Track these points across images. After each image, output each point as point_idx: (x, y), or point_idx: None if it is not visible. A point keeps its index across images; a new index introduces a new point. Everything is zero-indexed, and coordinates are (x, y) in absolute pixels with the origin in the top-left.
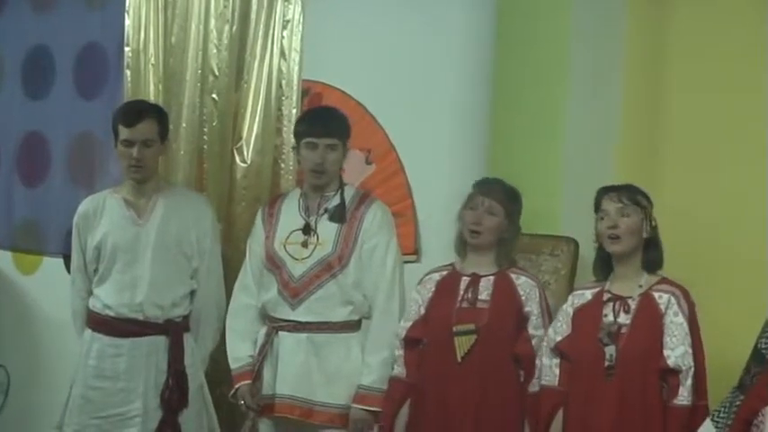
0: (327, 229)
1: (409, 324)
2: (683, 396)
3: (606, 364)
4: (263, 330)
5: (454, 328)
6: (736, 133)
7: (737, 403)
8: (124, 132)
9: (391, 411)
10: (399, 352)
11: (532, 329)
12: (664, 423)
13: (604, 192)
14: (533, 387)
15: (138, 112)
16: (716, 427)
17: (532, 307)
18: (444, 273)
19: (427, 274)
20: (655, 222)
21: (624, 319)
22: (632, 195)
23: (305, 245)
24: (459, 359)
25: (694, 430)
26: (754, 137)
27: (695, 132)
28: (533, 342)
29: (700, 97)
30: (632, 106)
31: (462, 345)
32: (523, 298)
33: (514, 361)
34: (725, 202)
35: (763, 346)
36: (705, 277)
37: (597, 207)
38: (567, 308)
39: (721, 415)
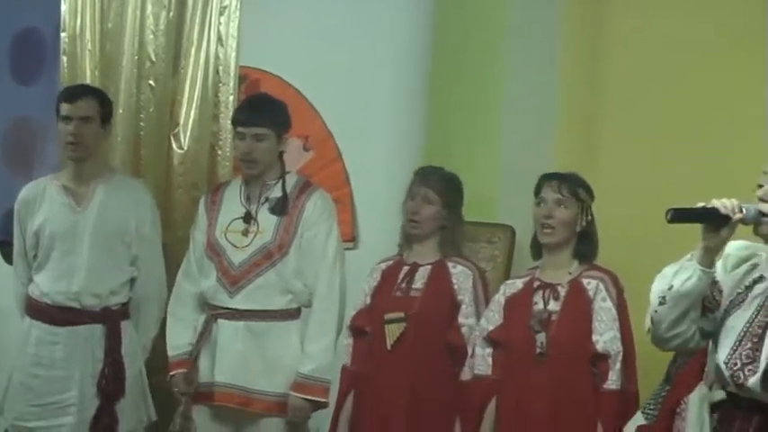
0: (268, 218)
1: (354, 313)
2: (613, 380)
3: (537, 350)
4: (203, 318)
5: (385, 317)
6: (672, 120)
7: (663, 394)
8: (64, 108)
9: (339, 400)
10: (348, 341)
11: (462, 318)
12: (595, 407)
13: (547, 178)
14: (464, 375)
15: (80, 88)
16: (645, 419)
17: (464, 296)
18: (391, 262)
19: (377, 264)
20: (591, 216)
21: (554, 306)
22: (573, 188)
23: (245, 233)
24: (389, 347)
25: (625, 413)
26: (690, 123)
27: (632, 118)
28: (463, 331)
29: (636, 84)
30: (569, 94)
31: (392, 333)
32: (456, 287)
33: (447, 350)
34: (661, 187)
35: None
36: (640, 263)
37: (538, 191)
38: (499, 297)
39: (650, 406)
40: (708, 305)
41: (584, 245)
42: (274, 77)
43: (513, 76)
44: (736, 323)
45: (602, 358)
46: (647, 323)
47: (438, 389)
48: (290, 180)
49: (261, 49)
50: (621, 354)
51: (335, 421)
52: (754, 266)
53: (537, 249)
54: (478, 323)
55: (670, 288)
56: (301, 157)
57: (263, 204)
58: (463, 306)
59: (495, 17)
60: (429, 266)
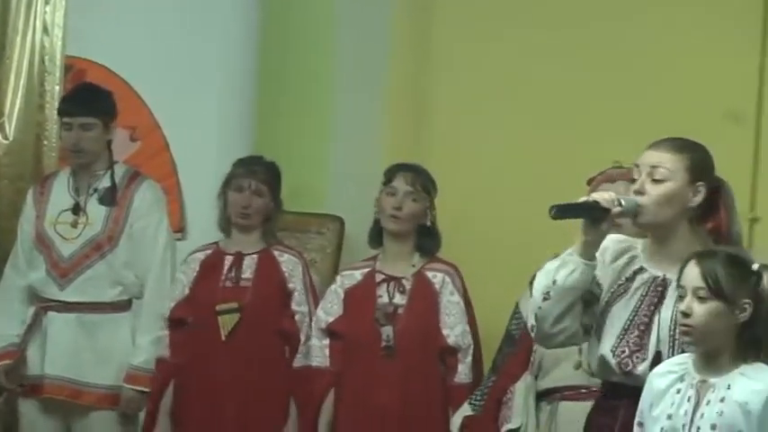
0: (97, 209)
1: (173, 304)
2: (464, 374)
3: (383, 344)
4: (32, 310)
5: (217, 307)
6: (499, 110)
7: (490, 384)
8: None
9: (157, 391)
10: (164, 332)
11: (295, 306)
12: (445, 401)
13: (401, 169)
14: (296, 363)
15: None
16: (472, 410)
17: (296, 284)
18: (208, 252)
19: (191, 254)
20: (434, 211)
21: (400, 299)
22: (425, 183)
23: (74, 225)
24: (224, 338)
25: None
26: (517, 115)
27: (460, 110)
28: (297, 318)
29: (467, 77)
30: (399, 86)
31: (226, 323)
32: (287, 275)
33: (280, 338)
34: (489, 181)
35: (514, 328)
36: (473, 256)
37: (388, 180)
38: (337, 288)
39: (477, 397)
40: (586, 299)
41: (428, 239)
42: (101, 67)
43: (343, 67)
44: (621, 313)
45: (451, 352)
46: (531, 320)
47: (273, 377)
48: (119, 170)
49: (87, 38)
50: (472, 347)
51: (153, 414)
52: (633, 258)
53: (376, 238)
54: (310, 311)
55: (554, 283)
56: (128, 148)
57: (91, 195)
58: (296, 293)
59: (325, 7)
60: (255, 256)
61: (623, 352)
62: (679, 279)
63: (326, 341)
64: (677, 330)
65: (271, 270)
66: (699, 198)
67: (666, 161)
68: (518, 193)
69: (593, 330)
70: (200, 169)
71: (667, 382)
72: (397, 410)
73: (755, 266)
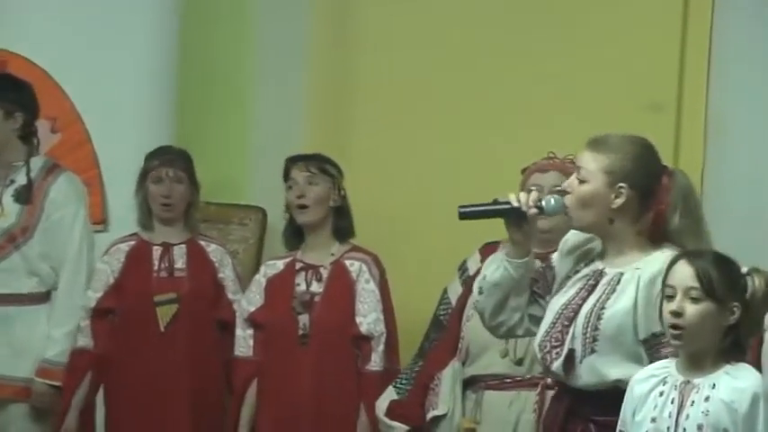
0: (12, 200)
1: (100, 294)
2: (376, 362)
3: (300, 332)
4: None
5: (155, 298)
6: (422, 100)
7: (417, 369)
8: None
9: (73, 383)
10: (86, 322)
11: (231, 294)
12: (358, 389)
13: (292, 161)
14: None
15: None
16: (398, 394)
17: (226, 273)
18: (132, 243)
19: (113, 245)
20: (344, 191)
21: (317, 287)
22: (320, 164)
23: None
24: (162, 329)
25: None
26: (441, 105)
27: (384, 97)
28: (234, 307)
29: (385, 67)
30: (318, 76)
31: (165, 314)
32: (217, 264)
33: (218, 327)
34: (412, 170)
35: (442, 314)
36: (397, 243)
37: (286, 176)
38: (260, 278)
39: (403, 381)
40: (537, 291)
41: (341, 220)
42: (21, 58)
43: (263, 57)
44: (555, 306)
45: (365, 340)
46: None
47: (211, 366)
48: (37, 163)
49: (7, 28)
50: (385, 335)
51: (66, 407)
52: (589, 252)
53: (291, 238)
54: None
55: (484, 278)
56: (49, 140)
57: (7, 187)
58: (230, 282)
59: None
60: (183, 246)
61: (545, 347)
62: (665, 278)
63: (250, 331)
64: (590, 329)
65: (202, 260)
66: (621, 200)
67: (588, 162)
68: (444, 179)
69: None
70: (121, 161)
71: (649, 386)
72: (311, 398)
73: (745, 269)
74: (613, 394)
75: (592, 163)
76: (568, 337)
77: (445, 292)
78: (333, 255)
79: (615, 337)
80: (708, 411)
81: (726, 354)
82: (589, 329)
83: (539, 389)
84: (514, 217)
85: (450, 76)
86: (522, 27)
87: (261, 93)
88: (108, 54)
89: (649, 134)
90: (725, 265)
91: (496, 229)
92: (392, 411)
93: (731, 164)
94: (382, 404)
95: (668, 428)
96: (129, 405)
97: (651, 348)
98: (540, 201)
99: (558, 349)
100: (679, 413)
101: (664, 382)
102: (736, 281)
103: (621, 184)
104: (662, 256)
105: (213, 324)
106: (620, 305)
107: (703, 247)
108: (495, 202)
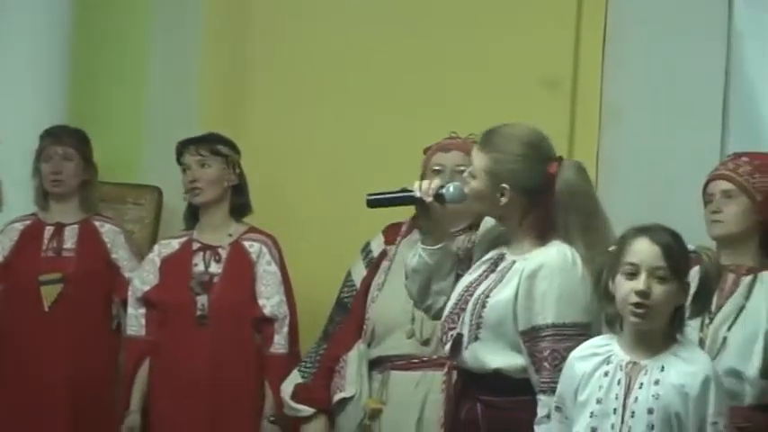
0: None
1: None
2: (280, 344)
3: (198, 313)
4: None
5: (40, 278)
6: (321, 77)
7: (321, 352)
8: None
9: None
10: None
11: (128, 273)
12: (260, 371)
13: (183, 145)
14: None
15: None
16: (302, 377)
17: (120, 253)
18: (27, 222)
19: (9, 224)
20: (239, 169)
21: (215, 268)
22: (211, 146)
23: None
24: (47, 308)
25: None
26: (340, 86)
27: (282, 76)
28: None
29: (285, 41)
30: (213, 54)
31: (49, 294)
32: (109, 245)
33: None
34: (314, 149)
35: (345, 296)
36: (298, 225)
37: (179, 160)
38: (154, 257)
39: (307, 365)
40: (461, 274)
41: (237, 198)
42: None
43: (157, 36)
44: (460, 286)
45: (267, 322)
46: None
47: (99, 345)
48: None
49: None
50: (289, 318)
51: None
52: (499, 237)
53: (189, 219)
54: None
55: (406, 265)
56: None
57: None
58: (125, 262)
59: None
60: (76, 226)
61: (444, 327)
62: (623, 254)
63: (142, 310)
64: (475, 316)
65: (93, 240)
66: (504, 199)
67: (476, 159)
68: (344, 159)
69: None
70: (14, 142)
71: (593, 365)
72: (208, 379)
73: (691, 247)
74: (498, 378)
75: (478, 161)
76: (459, 321)
77: (349, 274)
78: (231, 235)
79: (497, 327)
80: (658, 395)
81: (673, 331)
82: (474, 316)
83: (445, 369)
84: (419, 205)
85: (350, 55)
86: (420, 6)
87: (156, 71)
88: None
89: (544, 112)
90: (681, 242)
91: (400, 209)
92: (297, 395)
93: (625, 146)
94: (287, 388)
95: (615, 410)
96: (9, 382)
97: (530, 341)
98: (440, 189)
99: (452, 332)
100: (627, 395)
101: (607, 361)
102: (689, 259)
103: (504, 185)
104: (548, 251)
105: (104, 305)
106: (502, 295)
107: (610, 237)
108: (403, 190)
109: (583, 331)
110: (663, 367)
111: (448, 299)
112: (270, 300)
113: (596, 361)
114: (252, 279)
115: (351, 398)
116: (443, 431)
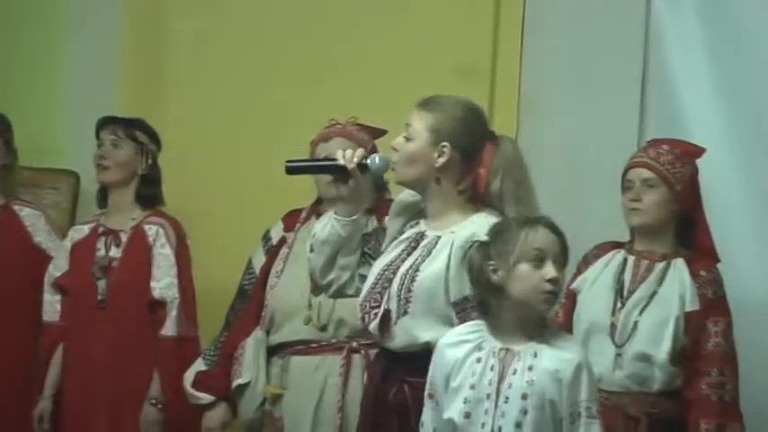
0: None
1: None
2: (169, 327)
3: (99, 297)
4: None
5: None
6: (237, 65)
7: (222, 339)
8: None
9: None
10: None
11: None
12: (155, 354)
13: (103, 122)
14: None
15: None
16: (206, 365)
17: (43, 236)
18: None
19: None
20: (153, 162)
21: (115, 252)
22: (129, 130)
23: None
24: None
25: (183, 360)
26: (254, 71)
27: (197, 62)
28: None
29: (201, 23)
30: (133, 37)
31: None
32: (29, 229)
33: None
34: (229, 133)
35: (246, 283)
36: (210, 212)
37: (97, 135)
38: (66, 243)
39: (211, 352)
40: (368, 251)
41: (147, 188)
42: None
43: (76, 17)
44: (378, 266)
45: (160, 305)
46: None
47: (22, 331)
48: None
49: None
50: (178, 300)
51: None
52: (416, 213)
53: (103, 199)
54: None
55: (314, 236)
56: None
57: None
58: (50, 244)
59: None
60: None
61: (365, 307)
62: (524, 242)
63: (57, 296)
64: (404, 290)
65: (12, 225)
66: (443, 159)
67: (415, 120)
68: (255, 150)
69: None
70: None
71: (464, 352)
72: (107, 364)
73: None
74: (426, 357)
75: (418, 122)
76: (385, 298)
77: (250, 261)
78: (134, 219)
79: (427, 300)
80: (532, 381)
81: (544, 320)
82: (403, 291)
83: (344, 352)
84: (341, 174)
85: (265, 36)
86: None
87: (74, 54)
88: None
89: None
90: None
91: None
92: (198, 382)
93: (544, 134)
94: (189, 375)
95: (488, 396)
96: None
97: (462, 311)
98: (365, 158)
99: (377, 310)
100: (500, 381)
101: (479, 348)
102: None
103: (444, 143)
104: (478, 220)
105: (28, 290)
106: (432, 268)
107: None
108: (325, 159)
109: None
110: (536, 354)
111: (351, 277)
112: (160, 282)
113: (468, 347)
114: (148, 262)
115: (247, 384)
116: (341, 414)
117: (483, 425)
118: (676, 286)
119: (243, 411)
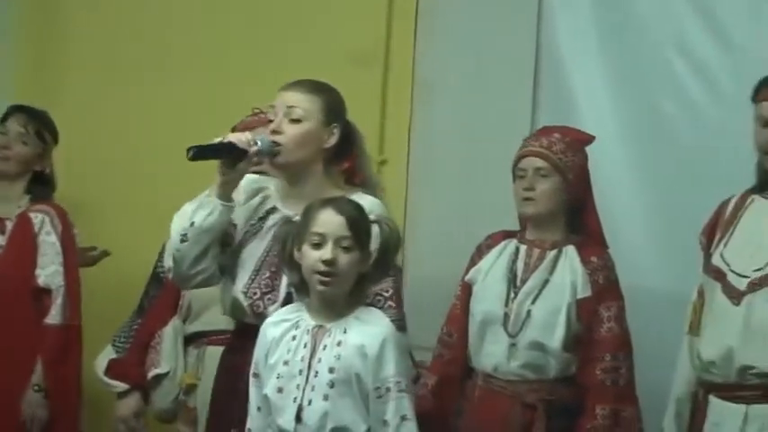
0: None
1: None
2: (53, 315)
3: None
4: None
5: None
6: (136, 55)
7: (135, 326)
8: None
9: None
10: None
11: None
12: (39, 341)
13: (14, 109)
14: None
15: None
16: (116, 352)
17: None
18: None
19: None
20: (50, 166)
21: (1, 240)
22: (40, 128)
23: None
24: None
25: (67, 348)
26: (155, 61)
27: (95, 49)
28: None
29: (100, 9)
30: (29, 26)
31: None
32: None
33: None
34: (131, 122)
35: (160, 269)
36: (123, 198)
37: (3, 120)
38: None
39: (121, 339)
40: (224, 240)
41: (41, 185)
42: None
43: None
44: (253, 253)
45: (45, 293)
46: (168, 263)
47: None
48: None
49: None
50: (64, 288)
51: None
52: (266, 198)
53: None
54: None
55: (192, 224)
56: None
57: None
58: None
59: None
60: None
61: (255, 294)
62: (309, 224)
63: None
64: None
65: None
66: (333, 140)
67: (303, 101)
68: (162, 139)
69: (227, 271)
70: None
71: (282, 331)
72: None
73: (372, 217)
74: None
75: (308, 103)
76: (283, 283)
77: (164, 247)
78: (20, 207)
79: None
80: (340, 355)
81: (357, 297)
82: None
83: None
84: (234, 157)
85: (166, 22)
86: None
87: None
88: None
89: (355, 87)
90: (363, 213)
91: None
92: (111, 370)
93: (438, 120)
94: (101, 363)
95: (300, 371)
96: None
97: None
98: (255, 141)
99: (271, 294)
100: (312, 356)
101: (296, 326)
102: (370, 228)
103: (335, 125)
104: (362, 200)
105: None
106: None
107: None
108: (221, 144)
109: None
110: (345, 329)
111: (215, 269)
112: (44, 270)
113: (286, 326)
114: (33, 250)
115: (166, 374)
116: None
117: (294, 399)
118: (568, 274)
119: (159, 401)
